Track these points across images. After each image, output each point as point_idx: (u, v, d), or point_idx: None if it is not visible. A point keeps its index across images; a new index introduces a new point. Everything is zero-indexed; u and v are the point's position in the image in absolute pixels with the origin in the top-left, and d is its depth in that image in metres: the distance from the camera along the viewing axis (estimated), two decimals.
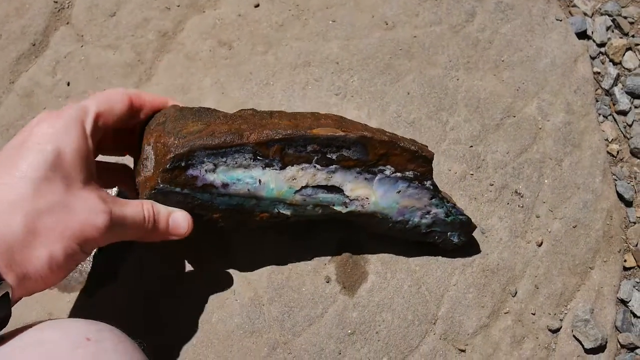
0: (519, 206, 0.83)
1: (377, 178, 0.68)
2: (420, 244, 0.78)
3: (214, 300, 0.75)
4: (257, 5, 0.90)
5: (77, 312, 0.73)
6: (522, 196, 0.83)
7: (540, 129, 0.86)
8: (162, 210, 0.63)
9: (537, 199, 0.83)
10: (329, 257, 0.77)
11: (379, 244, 0.78)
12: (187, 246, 0.76)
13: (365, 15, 0.90)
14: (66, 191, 0.52)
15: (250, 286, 0.76)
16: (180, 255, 0.76)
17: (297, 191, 0.66)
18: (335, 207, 0.69)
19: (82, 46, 0.87)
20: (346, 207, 0.69)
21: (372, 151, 0.66)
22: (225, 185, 0.64)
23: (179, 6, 0.90)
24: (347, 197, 0.68)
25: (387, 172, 0.68)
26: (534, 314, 0.79)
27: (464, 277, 0.79)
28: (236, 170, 0.64)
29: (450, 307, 0.78)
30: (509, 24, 0.92)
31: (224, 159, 0.63)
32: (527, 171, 0.84)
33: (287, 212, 0.68)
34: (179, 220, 0.64)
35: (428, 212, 0.72)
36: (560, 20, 0.93)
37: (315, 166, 0.66)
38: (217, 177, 0.63)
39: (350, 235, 0.79)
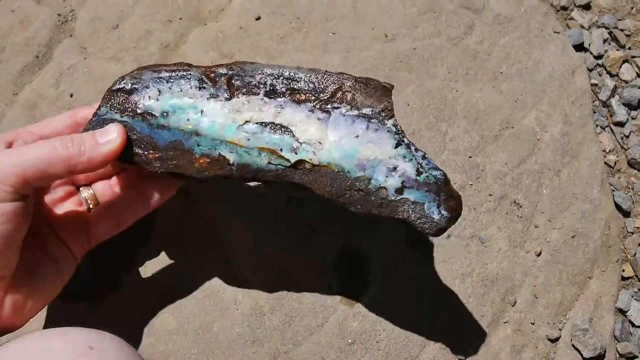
0: (517, 216, 0.83)
1: (331, 118, 0.62)
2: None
3: (215, 309, 0.76)
4: (258, 18, 0.91)
5: (79, 321, 0.73)
6: (520, 206, 0.84)
7: (538, 139, 0.87)
8: (84, 133, 0.59)
9: (536, 209, 0.84)
10: (329, 267, 0.78)
11: (380, 253, 0.79)
12: (188, 255, 0.77)
13: (365, 27, 0.91)
14: None
15: (251, 295, 0.76)
16: (181, 264, 0.77)
17: (240, 126, 0.61)
18: (282, 153, 0.61)
19: (85, 58, 0.88)
20: (295, 153, 0.61)
21: (324, 84, 0.62)
22: (165, 113, 0.61)
23: (181, 19, 0.90)
24: (297, 139, 0.61)
25: (343, 110, 0.62)
26: (533, 324, 0.79)
27: (463, 287, 0.79)
28: (179, 99, 0.61)
29: (450, 316, 0.78)
30: (507, 36, 0.93)
31: (169, 85, 0.61)
32: (526, 181, 0.85)
33: (230, 157, 0.61)
34: (105, 129, 0.59)
35: (394, 168, 0.61)
36: (558, 33, 0.94)
37: (262, 98, 0.62)
38: (158, 105, 0.61)
39: (352, 245, 0.79)
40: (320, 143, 0.61)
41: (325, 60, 0.88)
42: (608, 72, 0.95)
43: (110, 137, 0.58)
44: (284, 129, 0.61)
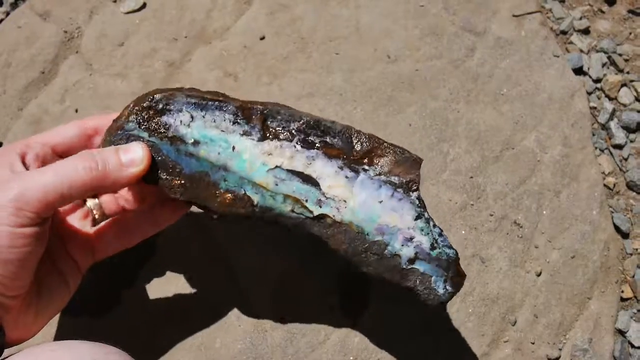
0: (518, 236, 0.84)
1: (359, 178, 0.62)
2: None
3: (217, 325, 0.76)
4: (262, 38, 0.92)
5: (83, 336, 0.73)
6: (521, 226, 0.84)
7: (538, 161, 0.88)
8: (106, 149, 0.57)
9: (536, 229, 0.85)
10: (331, 285, 0.78)
11: None
12: (191, 271, 0.77)
13: (368, 48, 0.92)
14: None
15: (253, 312, 0.77)
16: (184, 280, 0.77)
17: (270, 169, 0.61)
18: (307, 204, 0.61)
19: (90, 75, 0.89)
20: (320, 206, 0.61)
21: (357, 144, 0.63)
22: (196, 143, 0.60)
23: (186, 37, 0.91)
24: (323, 193, 0.61)
25: (371, 173, 0.62)
26: (533, 343, 0.79)
27: (464, 306, 0.80)
28: (212, 130, 0.60)
29: (451, 335, 0.78)
30: (508, 59, 0.94)
31: (203, 113, 0.60)
32: (526, 202, 0.86)
33: (254, 198, 0.61)
34: (130, 147, 0.57)
35: (411, 239, 0.62)
36: (558, 57, 0.95)
37: (295, 146, 0.61)
38: (190, 132, 0.59)
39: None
40: (345, 201, 0.62)
41: (329, 79, 0.89)
42: (607, 96, 0.96)
43: (135, 158, 0.56)
44: (312, 180, 0.61)
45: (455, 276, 0.64)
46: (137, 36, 0.91)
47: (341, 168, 0.62)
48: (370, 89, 0.90)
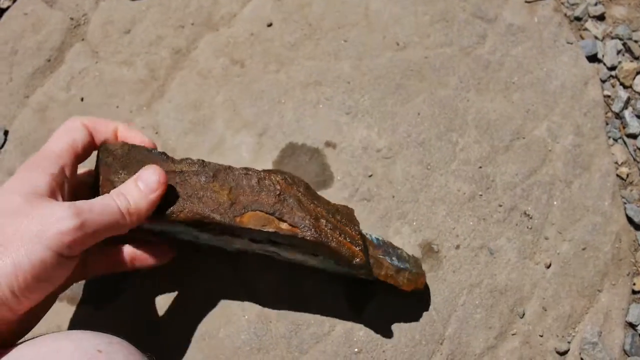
0: (527, 227, 0.83)
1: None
2: (422, 254, 0.77)
3: (221, 316, 0.75)
4: (270, 25, 0.91)
5: (85, 325, 0.73)
6: (531, 217, 0.83)
7: (549, 151, 0.86)
8: (127, 183, 0.58)
9: (546, 220, 0.83)
10: (336, 276, 0.78)
11: None
12: (195, 262, 0.76)
13: (376, 35, 0.91)
14: (25, 202, 0.52)
15: (257, 303, 0.76)
16: (187, 270, 0.77)
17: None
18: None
19: (96, 62, 0.88)
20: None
21: (304, 245, 0.64)
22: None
23: (193, 24, 0.91)
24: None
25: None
26: (541, 336, 0.78)
27: (471, 298, 0.79)
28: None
29: (458, 327, 0.77)
30: (520, 46, 0.92)
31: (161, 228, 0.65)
32: (536, 193, 0.84)
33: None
34: (146, 176, 0.58)
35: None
36: (571, 44, 0.93)
37: (257, 243, 0.66)
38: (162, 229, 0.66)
39: None
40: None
41: (336, 67, 0.88)
42: (621, 84, 0.94)
43: (153, 185, 0.58)
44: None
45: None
46: (143, 23, 0.91)
47: (303, 254, 0.68)
48: (379, 76, 0.88)
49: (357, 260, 0.64)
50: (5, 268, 0.48)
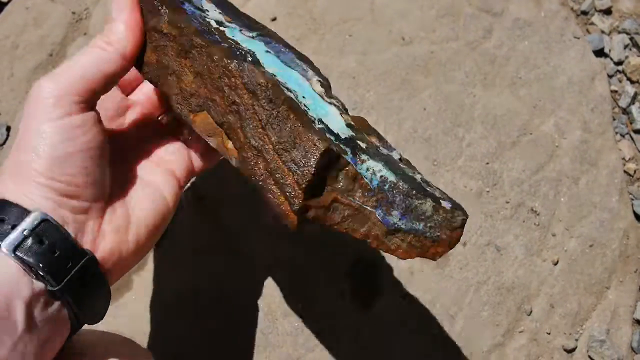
0: (534, 224, 0.82)
1: None
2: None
3: (227, 313, 0.75)
4: (274, 19, 0.90)
5: None
6: (538, 214, 0.82)
7: (557, 146, 0.86)
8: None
9: (553, 217, 0.83)
10: (343, 273, 0.77)
11: (394, 259, 0.78)
12: (201, 258, 0.76)
13: (382, 30, 0.90)
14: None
15: (264, 300, 0.76)
16: (194, 268, 0.76)
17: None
18: None
19: None
20: None
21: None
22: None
23: None
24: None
25: None
26: (549, 334, 0.78)
27: (479, 295, 0.78)
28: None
29: (465, 324, 0.77)
30: (526, 41, 0.92)
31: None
32: (544, 189, 0.84)
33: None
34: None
35: None
36: (578, 38, 0.92)
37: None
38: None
39: (366, 253, 0.78)
40: None
41: (341, 62, 0.88)
42: (628, 79, 0.94)
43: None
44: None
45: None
46: None
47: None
48: (384, 72, 0.87)
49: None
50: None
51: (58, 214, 0.44)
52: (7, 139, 0.83)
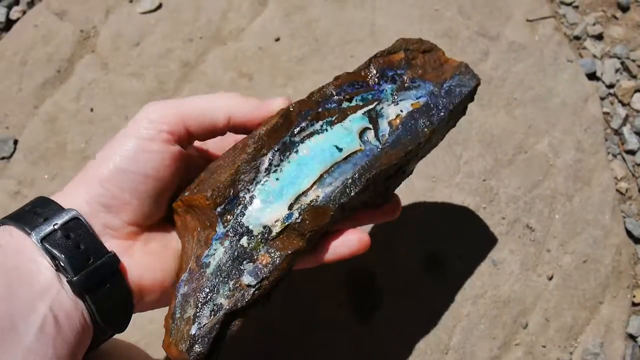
0: (530, 240, 0.84)
1: None
2: (426, 264, 0.78)
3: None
4: (277, 39, 0.92)
5: None
6: (533, 230, 0.84)
7: (551, 165, 0.88)
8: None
9: (548, 233, 0.85)
10: (341, 283, 0.78)
11: (392, 271, 0.79)
12: None
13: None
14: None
15: (263, 309, 0.77)
16: None
17: None
18: None
19: (106, 74, 0.89)
20: None
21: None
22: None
23: (201, 38, 0.92)
24: None
25: None
26: (544, 347, 0.80)
27: (476, 308, 0.80)
28: None
29: (462, 337, 0.78)
30: (521, 63, 0.94)
31: None
32: (539, 206, 0.86)
33: None
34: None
35: None
36: (571, 62, 0.95)
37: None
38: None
39: (363, 263, 0.80)
40: None
41: None
42: (620, 101, 0.96)
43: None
44: None
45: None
46: (152, 36, 0.92)
47: None
48: None
49: None
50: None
51: (91, 221, 0.46)
52: (14, 152, 0.84)
